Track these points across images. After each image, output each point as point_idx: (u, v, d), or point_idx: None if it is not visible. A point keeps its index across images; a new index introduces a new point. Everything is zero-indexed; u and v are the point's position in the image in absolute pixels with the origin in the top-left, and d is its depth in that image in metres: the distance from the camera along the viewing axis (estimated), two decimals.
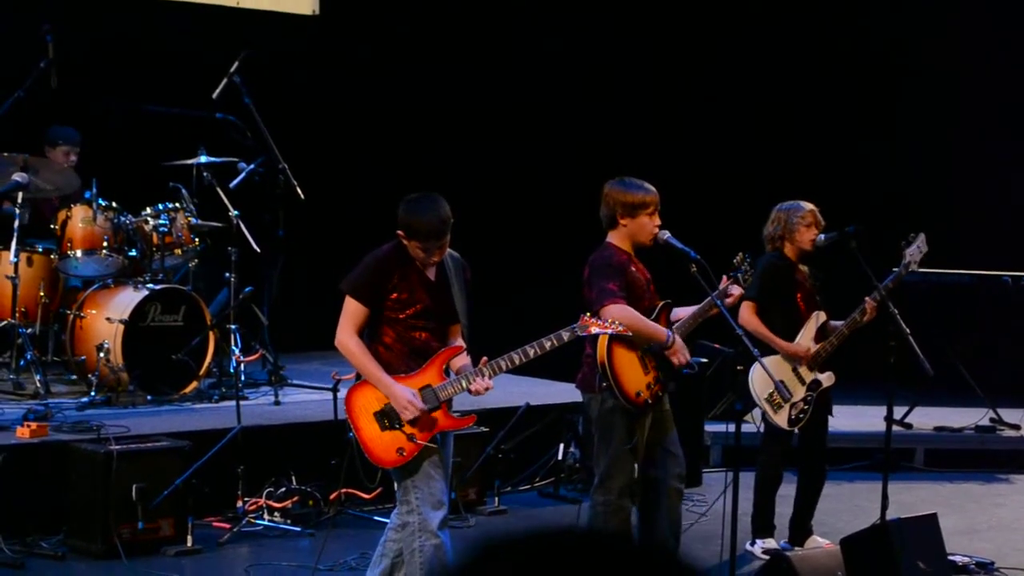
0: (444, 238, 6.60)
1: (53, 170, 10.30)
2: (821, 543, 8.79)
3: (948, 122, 14.62)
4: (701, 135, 14.75)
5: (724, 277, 7.52)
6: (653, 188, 7.38)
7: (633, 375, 7.25)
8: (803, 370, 8.55)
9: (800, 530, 8.88)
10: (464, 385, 6.59)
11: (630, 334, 7.03)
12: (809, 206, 8.70)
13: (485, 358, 6.61)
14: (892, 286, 8.56)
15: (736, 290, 7.54)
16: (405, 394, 6.50)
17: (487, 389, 6.63)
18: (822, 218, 8.72)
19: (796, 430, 8.63)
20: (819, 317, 8.65)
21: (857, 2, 15.12)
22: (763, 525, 8.80)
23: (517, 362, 6.64)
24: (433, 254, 6.60)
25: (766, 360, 8.20)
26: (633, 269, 7.32)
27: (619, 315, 6.95)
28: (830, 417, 8.87)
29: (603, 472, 7.37)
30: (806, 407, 8.55)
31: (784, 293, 8.64)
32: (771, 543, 8.77)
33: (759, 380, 8.39)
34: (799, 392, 8.52)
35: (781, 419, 8.50)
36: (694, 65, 14.84)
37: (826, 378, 8.62)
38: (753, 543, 8.78)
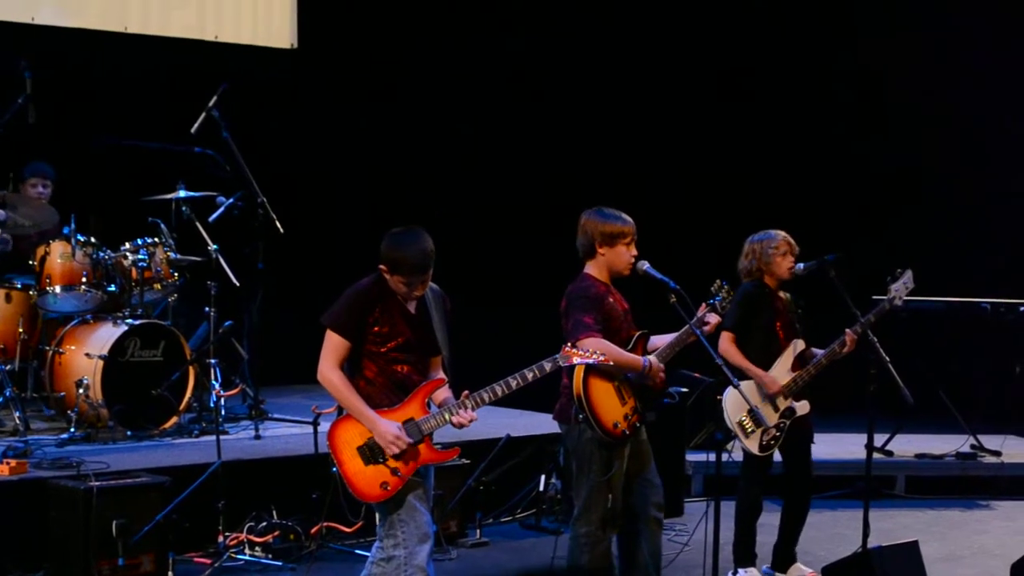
0: (427, 272, 6.59)
1: (32, 206, 10.29)
2: (804, 571, 8.80)
3: (927, 151, 14.68)
4: (676, 162, 14.79)
5: (703, 305, 7.52)
6: (630, 218, 7.41)
7: (610, 406, 7.24)
8: (778, 397, 8.56)
9: (784, 558, 8.88)
10: (447, 418, 6.58)
11: (611, 364, 7.03)
12: (781, 234, 8.73)
13: (467, 391, 6.61)
14: (874, 320, 8.56)
15: (713, 318, 7.53)
16: (390, 428, 6.49)
17: (471, 421, 6.62)
18: (795, 244, 8.75)
19: (777, 456, 8.64)
20: (797, 346, 8.67)
21: (834, 22, 15.18)
22: (744, 554, 8.78)
23: (500, 394, 6.63)
24: (416, 288, 6.59)
25: (741, 385, 8.21)
26: (611, 300, 7.33)
27: (593, 347, 6.93)
28: (811, 444, 8.87)
29: (582, 503, 7.36)
30: (778, 434, 8.56)
31: (763, 321, 8.65)
32: (753, 572, 8.76)
33: (732, 405, 8.43)
34: (772, 419, 8.53)
35: (752, 445, 8.51)
36: (669, 92, 14.89)
37: (801, 406, 8.62)
38: (735, 572, 8.77)
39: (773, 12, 15.11)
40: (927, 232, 14.40)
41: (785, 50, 15.11)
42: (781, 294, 8.78)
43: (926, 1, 14.82)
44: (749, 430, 8.49)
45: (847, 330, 8.57)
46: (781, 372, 8.59)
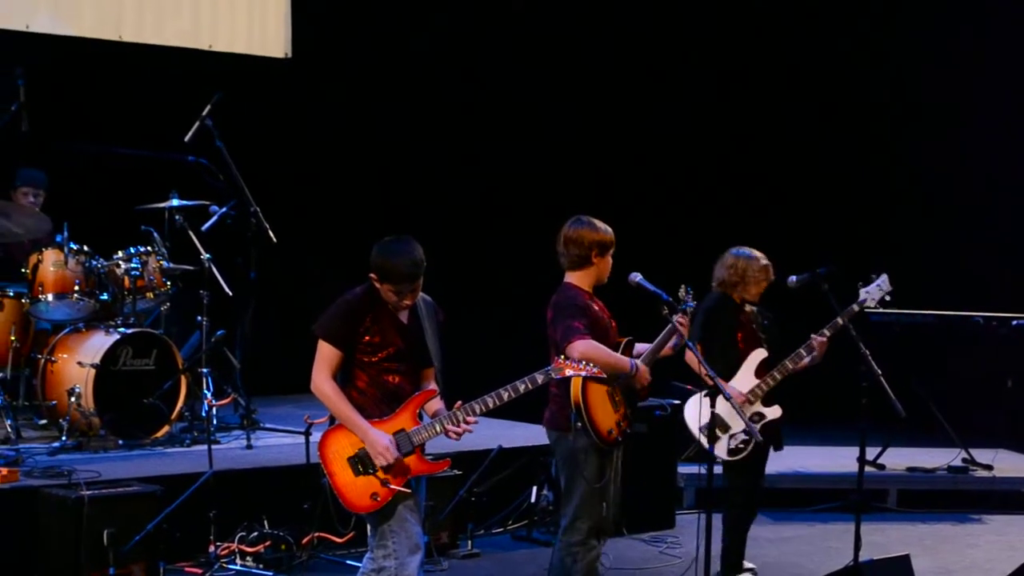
0: (417, 281, 6.59)
1: (24, 214, 10.28)
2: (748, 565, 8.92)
3: (922, 161, 14.69)
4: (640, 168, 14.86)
5: (675, 311, 7.54)
6: None
7: (605, 413, 7.28)
8: (743, 404, 8.60)
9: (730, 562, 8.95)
10: (438, 429, 6.59)
11: (605, 376, 7.05)
12: (764, 260, 8.81)
13: (460, 402, 6.61)
14: (843, 323, 8.59)
15: (682, 321, 7.55)
16: (381, 440, 6.48)
17: (464, 432, 6.62)
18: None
19: (752, 461, 8.68)
20: (758, 355, 8.73)
21: (813, 32, 15.19)
22: (733, 564, 8.81)
23: (491, 405, 6.64)
24: (406, 297, 6.59)
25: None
26: (595, 308, 7.38)
27: (585, 350, 6.99)
28: (777, 451, 8.89)
29: (574, 512, 7.37)
30: (747, 438, 8.57)
31: (725, 333, 8.72)
32: None
33: (695, 412, 8.49)
34: (738, 424, 8.55)
35: (720, 450, 8.55)
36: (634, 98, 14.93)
37: (771, 411, 8.66)
38: None
39: (765, 11, 15.17)
40: (919, 244, 14.40)
41: (771, 49, 15.14)
42: (747, 307, 8.83)
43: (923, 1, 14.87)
44: (714, 436, 8.55)
45: (813, 335, 8.64)
46: (743, 381, 8.65)
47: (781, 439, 8.88)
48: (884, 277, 8.76)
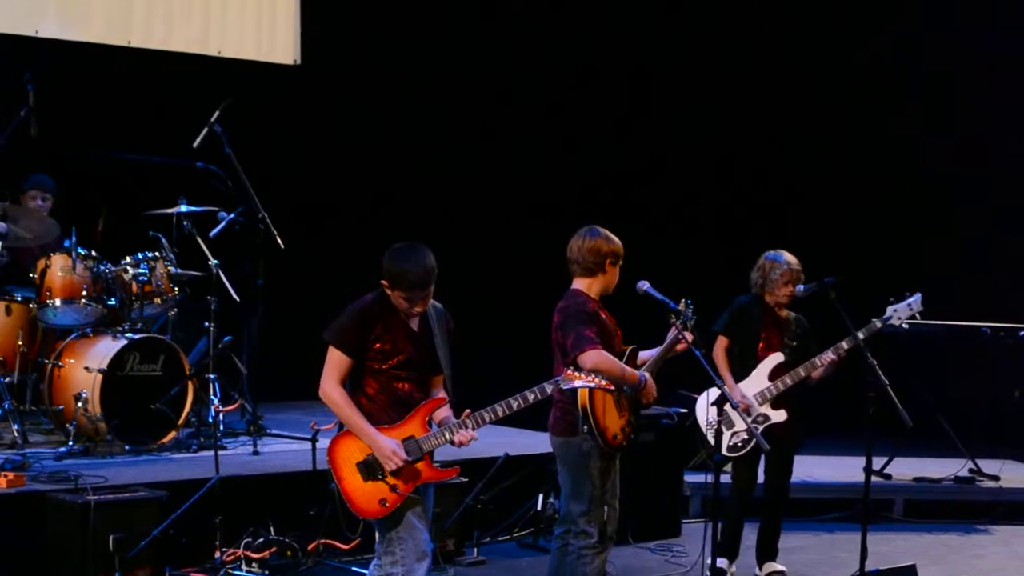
0: (428, 288, 6.60)
1: (32, 219, 10.30)
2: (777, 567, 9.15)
3: (931, 170, 14.67)
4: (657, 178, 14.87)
5: (676, 323, 7.57)
6: None
7: (611, 419, 7.31)
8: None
9: (763, 553, 9.21)
10: (447, 437, 6.59)
11: (612, 388, 7.07)
12: (791, 263, 8.96)
13: (468, 410, 6.61)
14: (865, 337, 8.66)
15: (687, 336, 7.59)
16: (389, 445, 6.49)
17: (471, 440, 6.63)
18: (801, 273, 8.95)
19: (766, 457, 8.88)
20: (774, 359, 8.93)
21: (826, 40, 15.19)
22: (728, 546, 9.09)
23: (500, 414, 6.65)
24: (417, 304, 6.59)
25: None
26: (603, 316, 7.40)
27: (598, 361, 7.01)
28: (788, 453, 9.10)
29: (581, 516, 7.38)
30: (748, 437, 8.79)
31: (747, 334, 8.93)
32: (725, 563, 9.07)
33: (704, 408, 8.77)
34: (741, 423, 8.76)
35: (721, 446, 8.75)
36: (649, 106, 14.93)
37: (776, 415, 8.83)
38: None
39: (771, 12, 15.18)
40: (927, 254, 14.38)
41: (787, 49, 15.14)
42: (782, 312, 8.98)
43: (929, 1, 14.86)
44: (718, 432, 8.74)
45: (829, 349, 8.83)
46: (755, 383, 8.88)
47: (794, 440, 8.99)
48: (918, 297, 8.86)
